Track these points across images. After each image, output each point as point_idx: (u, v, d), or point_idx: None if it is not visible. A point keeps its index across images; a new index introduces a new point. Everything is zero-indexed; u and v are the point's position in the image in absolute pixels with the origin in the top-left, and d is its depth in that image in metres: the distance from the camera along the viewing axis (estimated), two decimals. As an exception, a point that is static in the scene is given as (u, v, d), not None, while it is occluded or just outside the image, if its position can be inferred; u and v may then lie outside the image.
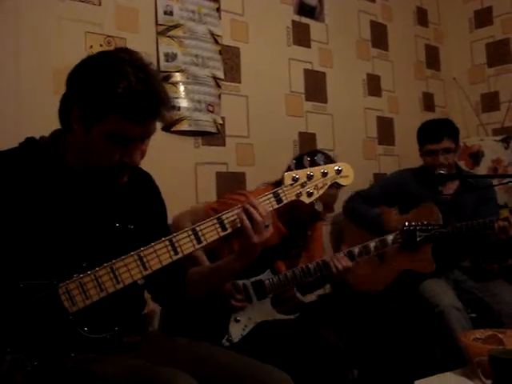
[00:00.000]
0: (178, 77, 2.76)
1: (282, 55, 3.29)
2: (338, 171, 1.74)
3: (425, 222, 2.58)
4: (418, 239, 2.51)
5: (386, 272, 2.98)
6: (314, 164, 1.80)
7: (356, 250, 2.42)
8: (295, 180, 1.68)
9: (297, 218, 2.45)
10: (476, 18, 4.28)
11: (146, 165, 1.67)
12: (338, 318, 2.42)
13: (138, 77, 1.46)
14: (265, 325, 2.25)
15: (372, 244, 2.46)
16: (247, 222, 1.61)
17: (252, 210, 1.61)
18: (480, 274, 3.01)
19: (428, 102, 4.22)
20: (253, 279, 2.28)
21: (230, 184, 2.96)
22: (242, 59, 3.08)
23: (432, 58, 4.31)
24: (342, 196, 3.16)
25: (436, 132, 3.02)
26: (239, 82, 3.06)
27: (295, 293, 2.51)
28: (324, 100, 3.48)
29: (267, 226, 1.64)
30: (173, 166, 2.73)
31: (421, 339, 2.74)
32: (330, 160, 2.07)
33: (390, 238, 2.52)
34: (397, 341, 2.40)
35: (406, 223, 2.55)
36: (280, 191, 1.67)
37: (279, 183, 1.72)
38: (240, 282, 2.26)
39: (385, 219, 2.95)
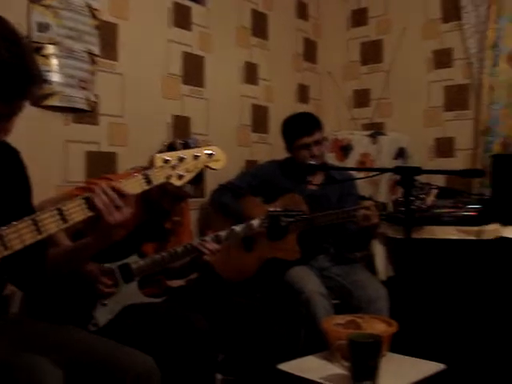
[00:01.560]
0: (50, 49, 2.63)
1: (161, 36, 3.23)
2: (210, 155, 1.74)
3: (288, 208, 2.64)
4: (282, 224, 2.56)
5: (252, 260, 3.03)
6: (186, 147, 1.79)
7: (223, 234, 2.43)
8: (166, 162, 1.66)
9: (165, 201, 2.43)
10: (353, 17, 4.43)
11: (12, 139, 1.59)
12: (206, 302, 2.43)
13: (11, 52, 1.37)
14: (132, 308, 2.22)
15: (238, 228, 2.48)
16: (99, 204, 1.58)
17: (102, 190, 1.59)
18: (342, 261, 3.13)
19: (303, 93, 4.32)
20: (119, 262, 2.23)
21: (101, 164, 2.88)
22: (119, 36, 2.99)
23: (309, 52, 4.41)
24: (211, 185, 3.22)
25: (308, 125, 3.10)
26: (115, 60, 2.97)
27: (163, 277, 2.49)
28: (201, 84, 3.46)
29: (120, 208, 1.61)
30: (41, 143, 2.61)
31: (287, 325, 2.81)
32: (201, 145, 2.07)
33: (255, 222, 2.55)
34: (263, 326, 2.44)
35: (271, 209, 2.60)
36: (150, 173, 1.64)
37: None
38: (106, 266, 2.20)
39: (248, 212, 2.99)
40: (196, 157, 1.71)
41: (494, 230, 3.05)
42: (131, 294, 2.25)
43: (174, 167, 1.67)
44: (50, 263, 1.73)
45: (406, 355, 2.19)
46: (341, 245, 3.18)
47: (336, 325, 2.24)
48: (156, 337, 2.07)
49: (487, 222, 3.09)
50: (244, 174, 3.36)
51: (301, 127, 3.10)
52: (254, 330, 2.42)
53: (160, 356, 1.70)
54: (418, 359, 2.15)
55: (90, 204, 1.56)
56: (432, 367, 2.09)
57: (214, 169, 1.77)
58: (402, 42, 4.10)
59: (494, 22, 3.62)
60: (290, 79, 4.22)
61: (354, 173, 3.31)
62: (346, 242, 3.17)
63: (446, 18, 3.97)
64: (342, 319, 2.29)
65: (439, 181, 3.69)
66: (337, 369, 2.03)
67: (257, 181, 3.19)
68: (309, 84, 4.39)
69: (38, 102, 2.57)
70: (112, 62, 2.95)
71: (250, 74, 3.83)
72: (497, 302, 3.07)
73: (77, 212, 1.54)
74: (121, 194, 1.60)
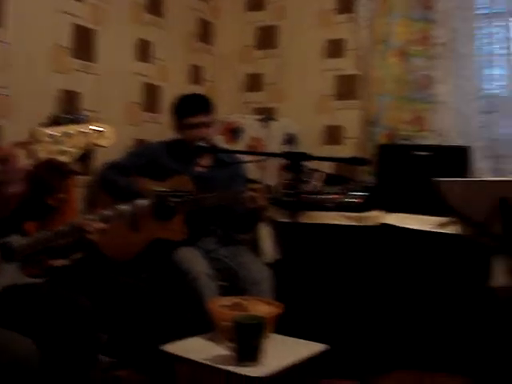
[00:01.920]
0: None
1: (50, 6, 3.08)
2: (99, 132, 1.70)
3: (175, 189, 2.61)
4: (169, 204, 2.54)
5: (138, 240, 2.98)
6: (73, 123, 1.73)
7: (109, 212, 2.35)
8: (51, 137, 1.60)
9: (49, 177, 2.33)
10: (250, 1, 4.42)
11: None
12: (90, 282, 2.37)
13: None
14: (13, 289, 2.12)
15: (124, 207, 2.41)
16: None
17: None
18: (229, 243, 3.15)
19: (197, 74, 4.28)
20: (-1, 241, 2.12)
21: (-18, 136, 2.74)
22: (5, 3, 2.83)
23: (206, 33, 4.37)
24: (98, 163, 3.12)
25: (197, 105, 3.08)
26: (1, 27, 2.81)
27: (45, 256, 2.40)
28: (92, 59, 3.35)
29: (15, 181, 1.54)
30: None
31: (173, 305, 2.79)
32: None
33: (142, 202, 2.50)
34: (148, 307, 2.42)
35: (158, 189, 2.57)
36: (34, 147, 1.57)
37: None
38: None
39: (138, 187, 2.94)
40: (83, 133, 1.66)
41: (376, 217, 3.18)
42: (11, 274, 2.15)
43: (59, 142, 1.61)
44: None
45: (291, 336, 2.24)
46: (228, 226, 3.19)
47: (222, 306, 2.26)
48: (38, 318, 1.99)
49: (371, 209, 3.21)
50: (131, 154, 3.29)
51: (188, 107, 3.09)
52: (139, 311, 2.39)
53: (42, 338, 1.65)
54: (302, 340, 2.22)
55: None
56: (315, 347, 2.16)
57: (102, 146, 1.73)
58: (297, 29, 4.16)
59: (384, 17, 3.73)
60: (184, 59, 4.16)
61: (243, 156, 3.33)
62: (233, 224, 3.19)
63: (341, 9, 4.05)
64: (227, 301, 2.32)
65: (327, 167, 3.78)
66: (222, 350, 2.05)
67: (143, 160, 3.13)
68: (203, 65, 4.35)
69: None
70: (-3, 28, 2.80)
71: (143, 51, 3.75)
72: (377, 286, 3.20)
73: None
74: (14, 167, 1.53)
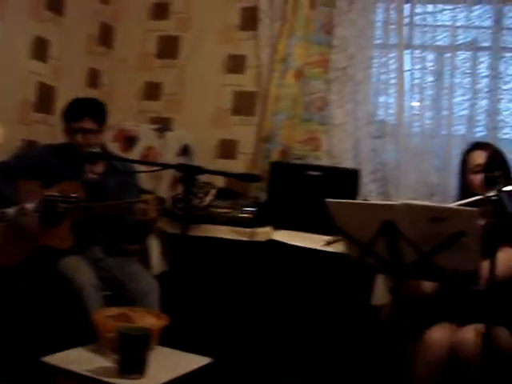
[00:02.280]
0: None
1: None
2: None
3: (65, 194, 2.53)
4: (58, 210, 2.45)
5: (22, 246, 2.86)
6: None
7: None
8: None
9: None
10: (154, 9, 4.36)
11: None
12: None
13: None
14: None
15: (10, 211, 2.32)
16: None
17: None
18: (117, 253, 3.10)
19: (94, 78, 4.19)
20: None
21: None
22: None
23: (106, 36, 4.28)
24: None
25: (78, 111, 3.02)
26: None
27: None
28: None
29: None
30: None
31: (55, 316, 2.70)
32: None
33: (30, 206, 2.41)
34: (28, 317, 2.33)
35: (47, 193, 2.47)
36: None
37: None
38: None
39: (23, 193, 2.82)
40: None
41: (266, 233, 3.23)
42: None
43: None
44: None
45: (176, 349, 2.23)
46: (117, 236, 3.14)
47: (107, 317, 2.22)
48: None
49: (260, 225, 3.26)
50: (18, 155, 3.15)
51: (72, 112, 3.03)
52: (18, 321, 2.29)
53: None
54: (187, 353, 2.21)
55: None
56: (199, 361, 2.16)
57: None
58: (200, 42, 4.15)
59: (286, 38, 3.80)
60: (81, 61, 4.05)
61: (137, 165, 3.29)
62: (123, 234, 3.14)
63: (244, 27, 4.09)
64: (113, 311, 2.28)
65: (220, 181, 3.80)
66: (105, 361, 2.00)
67: (29, 162, 3.01)
68: (101, 69, 4.26)
69: None
70: None
71: (40, 49, 3.62)
72: (263, 300, 3.25)
73: None
74: None
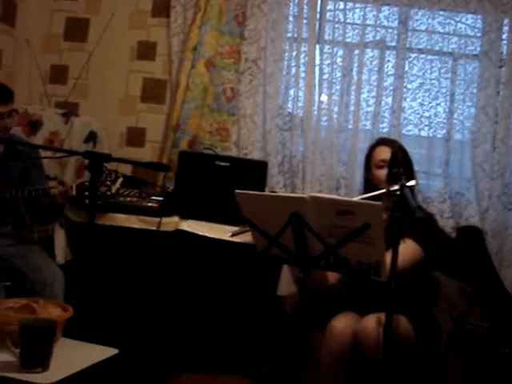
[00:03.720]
0: None
1: None
2: None
3: None
4: None
5: None
6: None
7: None
8: None
9: None
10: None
11: None
12: None
13: None
14: None
15: None
16: None
17: None
18: (19, 242, 3.00)
19: (-6, 58, 4.00)
20: None
21: None
22: None
23: (8, 13, 4.08)
24: None
25: (2, 93, 2.90)
26: None
27: None
28: None
29: None
30: None
31: None
32: None
33: None
34: None
35: None
36: None
37: None
38: None
39: None
40: None
41: (173, 223, 3.22)
42: None
43: None
44: None
45: (81, 340, 2.18)
46: (19, 224, 3.04)
47: (8, 309, 2.14)
48: None
49: (168, 214, 3.24)
50: None
51: None
52: None
53: None
54: (92, 344, 2.17)
55: None
56: (105, 352, 2.12)
57: None
58: (109, 26, 4.04)
59: (198, 27, 3.78)
60: (-19, 40, 3.86)
61: (41, 151, 3.18)
62: (26, 220, 3.04)
63: (156, 13, 4.03)
64: (14, 303, 2.20)
65: (127, 169, 3.75)
66: (6, 356, 1.93)
67: None
68: (2, 48, 4.07)
69: None
70: None
71: None
72: (169, 290, 3.24)
73: None
74: None
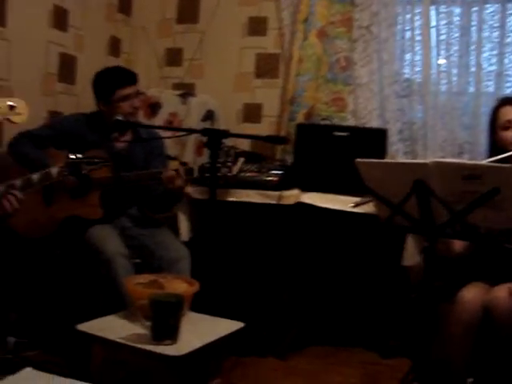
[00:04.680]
0: None
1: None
2: (11, 107, 1.61)
3: (90, 155, 2.47)
4: (83, 172, 2.40)
5: (52, 217, 2.87)
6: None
7: (17, 182, 2.20)
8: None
9: None
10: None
11: None
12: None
13: None
14: None
15: (35, 176, 2.27)
16: None
17: None
18: (146, 221, 3.09)
19: (114, 46, 4.16)
20: None
21: None
22: None
23: (124, 3, 4.23)
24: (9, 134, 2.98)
25: (130, 75, 3.00)
26: None
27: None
28: (2, 23, 3.17)
29: None
30: None
31: (86, 284, 2.72)
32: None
33: (54, 170, 2.33)
34: (61, 285, 2.34)
35: (71, 155, 2.41)
36: None
37: None
38: None
39: (52, 159, 2.81)
40: (-5, 108, 1.57)
41: (293, 196, 3.20)
42: None
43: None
44: None
45: (208, 314, 2.23)
46: (145, 206, 3.13)
47: (138, 284, 2.22)
48: None
49: (288, 188, 3.23)
50: (47, 125, 3.16)
51: (123, 77, 2.98)
52: (51, 289, 2.30)
53: None
54: (218, 318, 2.21)
55: None
56: (231, 325, 2.16)
57: (14, 122, 1.64)
58: (219, 5, 4.09)
59: (307, -2, 3.75)
60: (102, 30, 4.02)
61: (161, 132, 3.26)
62: (151, 203, 3.13)
63: (265, -12, 4.03)
64: (144, 279, 2.28)
65: (245, 145, 3.78)
66: (138, 328, 2.01)
67: (60, 132, 3.00)
68: (121, 37, 4.23)
69: None
70: None
71: (60, 19, 3.59)
72: (293, 264, 3.24)
73: None
74: None
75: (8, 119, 1.61)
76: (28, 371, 1.60)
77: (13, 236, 2.81)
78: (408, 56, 3.73)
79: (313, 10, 3.72)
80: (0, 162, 3.09)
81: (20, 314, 2.42)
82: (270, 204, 3.17)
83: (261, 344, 3.12)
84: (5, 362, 2.31)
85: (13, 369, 2.18)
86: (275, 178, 3.25)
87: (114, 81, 2.98)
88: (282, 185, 3.22)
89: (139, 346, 1.88)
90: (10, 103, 1.60)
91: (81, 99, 3.67)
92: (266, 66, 4.04)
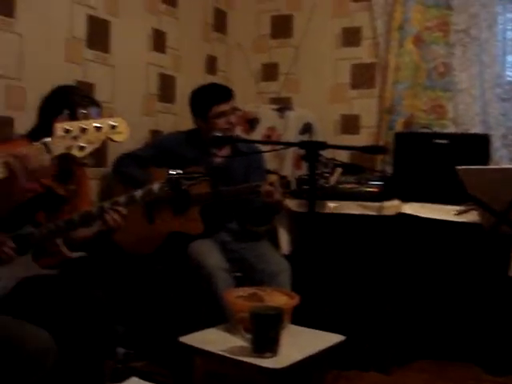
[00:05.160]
0: None
1: (63, -3, 3.08)
2: (113, 127, 1.68)
3: (189, 170, 2.51)
4: (183, 187, 2.45)
5: (155, 234, 2.97)
6: (87, 117, 1.71)
7: (121, 199, 2.28)
8: (67, 132, 1.58)
9: (63, 171, 2.33)
10: (265, -10, 4.38)
11: None
12: (105, 274, 2.36)
13: None
14: (27, 281, 2.11)
15: (138, 192, 2.35)
16: (16, 168, 1.49)
17: (22, 158, 1.51)
18: (246, 235, 3.13)
19: (211, 64, 4.26)
20: (13, 234, 2.09)
21: (-3, 128, 2.73)
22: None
23: (219, 22, 4.34)
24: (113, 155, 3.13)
25: (224, 92, 3.06)
26: (13, 18, 2.79)
27: (60, 247, 2.39)
28: (106, 50, 3.33)
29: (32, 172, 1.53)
30: None
31: (188, 298, 2.78)
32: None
33: (155, 186, 2.40)
34: (164, 299, 2.40)
35: (171, 171, 2.47)
36: (50, 142, 1.56)
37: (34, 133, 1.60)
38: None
39: (153, 178, 2.90)
40: (98, 128, 1.64)
41: (394, 206, 3.14)
42: (25, 266, 2.13)
43: (75, 138, 1.59)
44: None
45: (308, 327, 2.22)
46: (244, 219, 3.17)
47: (238, 297, 2.24)
48: (53, 310, 1.98)
49: (388, 199, 3.17)
50: (148, 145, 3.28)
51: (218, 94, 3.05)
52: (156, 303, 2.37)
53: (58, 330, 1.64)
54: (319, 331, 2.19)
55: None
56: (332, 338, 2.13)
57: (116, 141, 1.71)
58: (312, 18, 4.11)
59: (401, 4, 3.70)
60: (198, 49, 4.14)
61: (260, 146, 3.30)
62: (250, 216, 3.16)
63: (356, -2, 4.02)
64: (244, 292, 2.30)
65: (343, 157, 3.75)
66: (238, 341, 2.03)
67: (160, 151, 3.11)
68: (217, 55, 4.33)
69: None
70: (9, 19, 2.77)
71: (158, 41, 3.73)
72: (395, 276, 3.17)
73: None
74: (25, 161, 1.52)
75: (110, 138, 1.68)
76: (134, 381, 1.66)
77: (119, 252, 2.92)
78: (510, 58, 3.60)
79: (407, 16, 3.67)
80: (105, 181, 3.24)
81: (128, 326, 2.51)
82: (369, 215, 3.12)
83: (363, 358, 3.07)
84: (114, 372, 2.41)
85: (121, 378, 2.26)
86: (375, 189, 3.21)
87: (209, 98, 3.05)
88: (382, 195, 3.17)
89: (240, 358, 1.90)
90: (112, 123, 1.66)
91: (180, 117, 3.78)
92: (362, 76, 4.01)
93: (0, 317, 1.61)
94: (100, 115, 1.84)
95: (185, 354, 2.07)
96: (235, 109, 3.11)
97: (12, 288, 2.07)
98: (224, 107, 3.01)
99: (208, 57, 4.23)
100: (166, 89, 3.81)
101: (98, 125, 1.64)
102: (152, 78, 3.70)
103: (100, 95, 3.22)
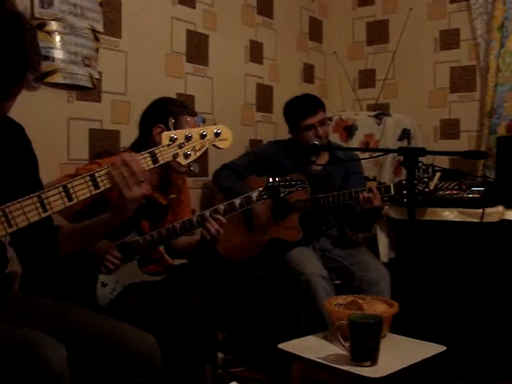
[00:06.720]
0: (53, 26, 2.59)
1: (165, 13, 3.20)
2: (217, 134, 1.73)
3: (288, 178, 2.55)
4: (282, 195, 2.49)
5: (255, 241, 3.02)
6: (191, 124, 1.77)
7: (221, 207, 2.35)
8: (173, 140, 1.64)
9: (163, 181, 2.42)
10: (359, -3, 4.38)
11: (15, 117, 1.60)
12: (206, 281, 2.43)
13: (6, 36, 1.34)
14: (132, 287, 2.22)
15: (237, 201, 2.40)
16: (118, 177, 1.56)
17: (123, 165, 1.57)
18: (345, 242, 3.12)
19: (308, 73, 4.29)
20: (119, 241, 2.20)
21: (104, 141, 2.87)
22: (123, 13, 2.96)
23: (315, 31, 4.37)
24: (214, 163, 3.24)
25: (311, 105, 3.08)
26: (119, 37, 2.94)
27: (163, 254, 2.49)
28: (205, 63, 3.44)
29: (141, 182, 1.60)
30: (44, 120, 2.58)
31: (287, 305, 2.81)
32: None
33: (254, 194, 2.45)
34: (263, 306, 2.44)
35: (270, 179, 2.51)
36: (157, 151, 1.63)
37: (136, 145, 1.66)
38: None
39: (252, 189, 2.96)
40: (203, 135, 1.69)
41: (497, 213, 3.03)
42: (131, 272, 2.23)
43: (180, 146, 1.65)
44: (62, 239, 1.73)
45: (407, 336, 2.19)
46: (344, 226, 3.17)
47: (337, 305, 2.24)
48: (156, 315, 2.06)
49: (491, 205, 3.07)
50: (247, 154, 3.35)
51: (305, 108, 3.07)
52: (255, 310, 2.41)
53: (160, 335, 1.70)
54: (419, 341, 2.15)
55: (94, 181, 1.54)
56: (433, 349, 2.09)
57: (220, 148, 1.76)
58: (409, 22, 4.05)
59: (501, 2, 3.58)
60: (295, 59, 4.19)
61: (358, 153, 3.29)
62: (350, 223, 3.16)
63: (454, -1, 3.93)
64: (343, 300, 2.29)
65: (443, 162, 3.68)
66: (337, 349, 2.03)
67: (260, 161, 3.18)
68: (314, 64, 4.36)
69: (40, 79, 2.55)
70: (115, 39, 2.92)
71: (255, 52, 3.81)
72: (497, 285, 3.06)
73: (82, 189, 1.52)
74: (135, 169, 1.58)
75: (214, 145, 1.73)
76: (234, 386, 1.69)
77: (219, 259, 3.00)
78: None
79: (509, 14, 3.55)
80: (207, 190, 3.34)
81: (228, 333, 2.56)
82: (470, 222, 3.04)
83: (466, 370, 2.98)
84: (215, 376, 2.46)
85: (221, 382, 2.32)
86: (477, 195, 3.11)
87: (296, 112, 3.09)
88: (484, 202, 3.07)
89: (338, 366, 1.90)
90: (216, 130, 1.72)
91: (278, 126, 3.83)
92: (462, 80, 3.92)
93: (106, 318, 1.68)
94: (204, 123, 1.90)
95: (283, 360, 2.09)
96: (325, 120, 3.10)
97: (118, 293, 2.18)
98: (311, 120, 3.03)
99: (305, 65, 4.26)
100: (264, 98, 3.88)
101: (203, 132, 1.70)
102: (250, 88, 3.78)
103: (200, 107, 3.34)
